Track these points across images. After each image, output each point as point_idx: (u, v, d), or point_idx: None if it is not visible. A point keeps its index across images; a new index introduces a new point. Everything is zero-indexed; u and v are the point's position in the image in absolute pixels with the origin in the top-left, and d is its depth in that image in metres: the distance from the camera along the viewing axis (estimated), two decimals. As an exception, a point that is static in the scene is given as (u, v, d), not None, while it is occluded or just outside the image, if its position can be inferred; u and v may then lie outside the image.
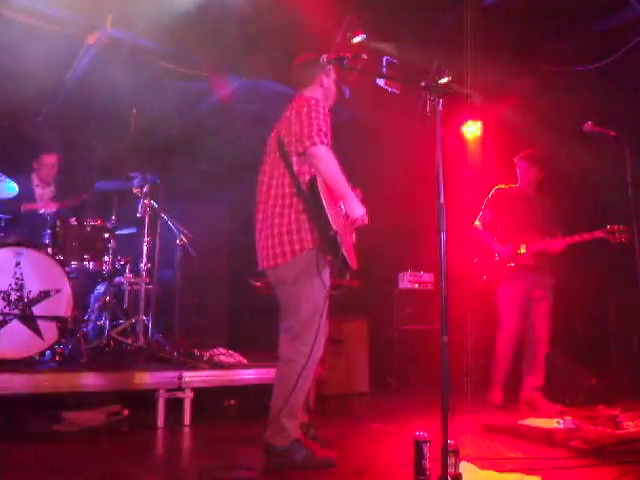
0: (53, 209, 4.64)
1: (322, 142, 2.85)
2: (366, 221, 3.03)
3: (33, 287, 4.00)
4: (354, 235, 3.20)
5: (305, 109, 2.92)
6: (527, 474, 2.69)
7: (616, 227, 4.20)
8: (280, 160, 2.98)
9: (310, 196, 2.86)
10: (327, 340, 3.12)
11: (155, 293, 4.91)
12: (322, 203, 2.83)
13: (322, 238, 2.87)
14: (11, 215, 4.53)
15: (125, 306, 4.94)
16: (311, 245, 2.88)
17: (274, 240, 2.92)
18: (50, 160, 5.22)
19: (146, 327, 4.66)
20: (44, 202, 5.09)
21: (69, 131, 6.24)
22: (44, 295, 4.03)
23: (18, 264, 3.98)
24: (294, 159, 2.93)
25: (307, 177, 2.92)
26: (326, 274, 2.95)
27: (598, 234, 4.30)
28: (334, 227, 2.82)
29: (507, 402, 4.67)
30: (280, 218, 2.92)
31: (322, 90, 3.16)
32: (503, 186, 4.87)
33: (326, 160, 2.87)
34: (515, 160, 4.91)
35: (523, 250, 4.58)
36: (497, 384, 4.70)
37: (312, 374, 2.96)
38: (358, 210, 2.96)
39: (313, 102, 2.96)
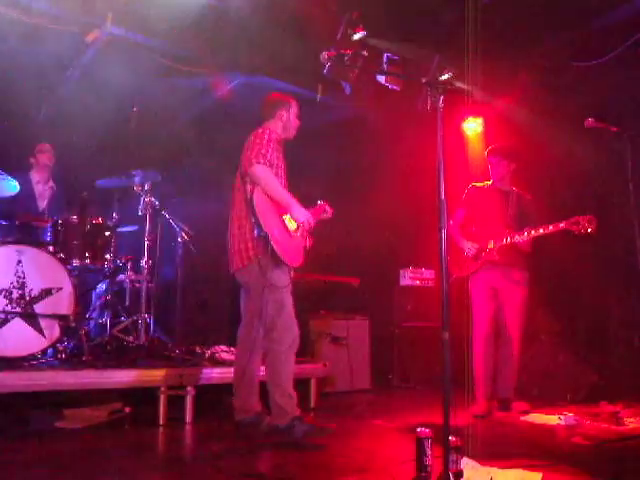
0: (47, 225, 4.57)
1: (259, 162, 3.34)
2: (311, 224, 3.49)
3: (35, 285, 4.01)
4: (308, 239, 3.66)
5: (252, 137, 3.47)
6: (529, 470, 2.69)
7: (580, 218, 4.06)
8: (241, 181, 3.51)
9: (252, 209, 3.35)
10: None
11: (156, 291, 4.91)
12: (255, 213, 3.32)
13: (260, 242, 3.32)
14: (5, 221, 4.48)
15: (126, 304, 4.94)
16: (258, 252, 3.34)
17: (234, 248, 3.45)
18: (45, 146, 5.22)
19: (147, 325, 4.66)
20: (42, 201, 5.12)
21: (69, 129, 6.24)
22: (46, 293, 4.04)
23: (19, 262, 3.98)
24: (246, 179, 3.43)
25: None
26: (277, 274, 3.37)
27: (562, 226, 4.15)
28: (264, 229, 3.29)
29: (490, 411, 4.37)
30: (240, 229, 3.43)
31: (281, 123, 3.66)
32: (477, 183, 4.77)
33: (264, 177, 3.36)
34: (485, 155, 4.78)
35: (491, 246, 4.48)
36: (479, 390, 4.45)
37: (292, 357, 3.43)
38: (300, 216, 3.43)
39: (261, 131, 3.50)
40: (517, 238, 4.39)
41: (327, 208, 3.85)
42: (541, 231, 4.29)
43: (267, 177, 3.37)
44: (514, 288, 4.51)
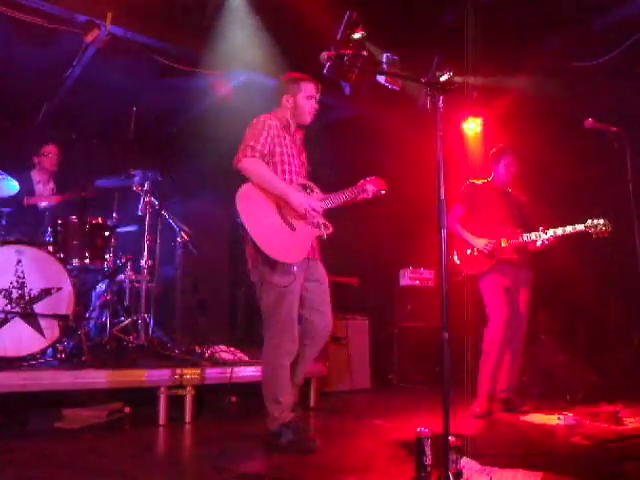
0: (55, 202, 4.65)
1: (245, 156, 3.15)
2: (315, 210, 3.25)
3: (34, 285, 4.00)
4: (325, 227, 3.32)
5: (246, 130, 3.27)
6: (528, 470, 2.69)
7: (596, 221, 4.07)
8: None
9: (236, 210, 3.13)
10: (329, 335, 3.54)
11: (156, 291, 4.91)
12: (239, 214, 3.09)
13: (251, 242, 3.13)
14: (12, 208, 4.51)
15: (126, 304, 4.94)
16: (257, 252, 3.15)
17: (247, 249, 3.30)
18: (51, 149, 5.24)
19: (147, 324, 4.65)
20: (46, 196, 5.13)
21: (69, 129, 6.25)
22: (45, 293, 4.03)
23: (19, 262, 3.98)
24: None
25: None
26: (273, 274, 3.19)
27: (580, 228, 4.13)
28: (249, 230, 3.07)
29: (490, 412, 4.30)
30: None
31: (288, 110, 3.38)
32: (475, 180, 4.73)
33: (251, 170, 3.17)
34: (487, 154, 4.78)
35: (504, 244, 4.42)
36: (482, 390, 4.38)
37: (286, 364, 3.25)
38: (299, 204, 3.19)
39: (254, 121, 3.28)
40: (533, 238, 4.35)
41: (368, 186, 3.49)
42: (559, 232, 4.27)
43: (255, 169, 3.16)
44: (523, 288, 4.52)
